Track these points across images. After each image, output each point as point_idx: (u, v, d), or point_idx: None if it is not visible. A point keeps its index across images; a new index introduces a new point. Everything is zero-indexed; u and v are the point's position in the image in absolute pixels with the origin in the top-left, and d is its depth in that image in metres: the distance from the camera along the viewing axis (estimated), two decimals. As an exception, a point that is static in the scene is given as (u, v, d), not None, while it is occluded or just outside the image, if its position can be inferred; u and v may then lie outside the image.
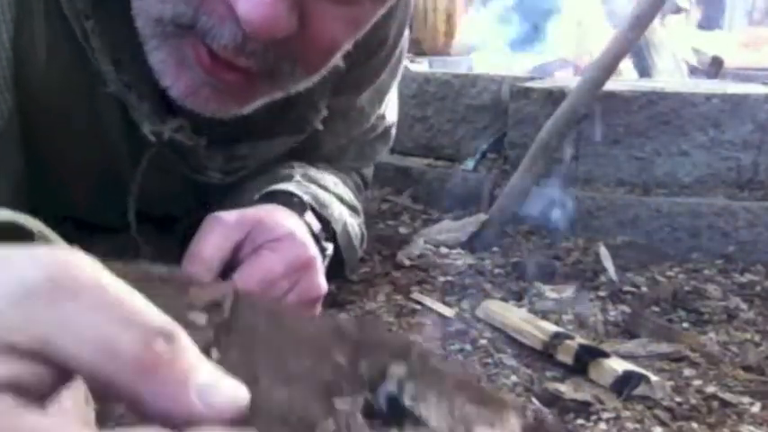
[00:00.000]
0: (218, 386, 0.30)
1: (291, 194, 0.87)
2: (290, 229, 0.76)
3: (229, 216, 0.74)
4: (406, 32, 1.01)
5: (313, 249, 0.77)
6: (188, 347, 0.30)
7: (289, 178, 0.90)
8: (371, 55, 0.94)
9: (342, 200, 0.96)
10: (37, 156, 0.78)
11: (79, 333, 0.29)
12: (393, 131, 1.13)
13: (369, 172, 1.13)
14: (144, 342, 0.29)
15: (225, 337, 0.37)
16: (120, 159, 0.84)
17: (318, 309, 0.79)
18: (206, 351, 0.35)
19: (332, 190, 0.95)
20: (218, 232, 0.72)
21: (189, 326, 0.35)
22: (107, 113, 0.80)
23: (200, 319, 0.38)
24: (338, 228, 0.89)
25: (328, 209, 0.89)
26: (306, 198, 0.87)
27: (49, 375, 0.30)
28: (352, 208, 0.98)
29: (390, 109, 1.09)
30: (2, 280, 0.30)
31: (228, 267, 0.73)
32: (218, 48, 0.63)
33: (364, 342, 0.37)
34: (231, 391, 0.31)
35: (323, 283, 0.77)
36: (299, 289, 0.75)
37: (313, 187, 0.91)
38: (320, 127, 0.91)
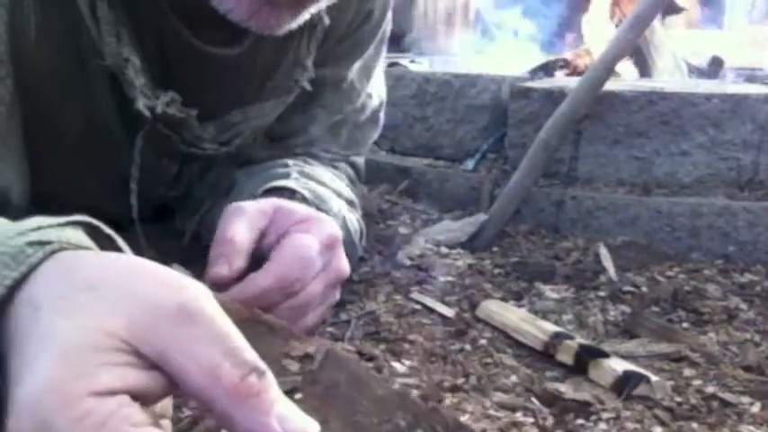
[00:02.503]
0: (294, 417, 0.37)
1: (291, 191, 0.87)
2: (310, 210, 0.77)
3: (250, 205, 0.75)
4: (389, 15, 1.03)
5: (337, 228, 0.78)
6: (273, 383, 0.36)
7: (286, 176, 0.91)
8: (358, 27, 0.97)
9: (340, 195, 0.96)
10: (33, 140, 0.79)
11: (192, 356, 0.35)
12: (382, 116, 1.14)
13: (361, 162, 1.13)
14: (241, 374, 0.35)
15: (310, 386, 0.46)
16: (114, 140, 0.84)
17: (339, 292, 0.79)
18: (291, 392, 0.44)
19: (329, 185, 0.96)
20: (244, 219, 0.73)
21: (282, 370, 0.46)
22: (98, 93, 0.80)
23: (293, 366, 0.47)
24: (338, 223, 0.90)
25: (327, 203, 0.89)
26: (306, 194, 0.87)
27: (161, 386, 0.36)
28: (349, 202, 0.98)
29: (377, 90, 1.10)
30: (141, 294, 0.36)
31: (256, 254, 0.73)
32: None
33: (424, 413, 0.44)
34: (305, 423, 0.37)
35: (347, 263, 0.79)
36: (331, 268, 0.76)
37: (311, 183, 0.91)
38: (309, 87, 0.92)
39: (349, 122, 1.06)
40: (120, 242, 0.45)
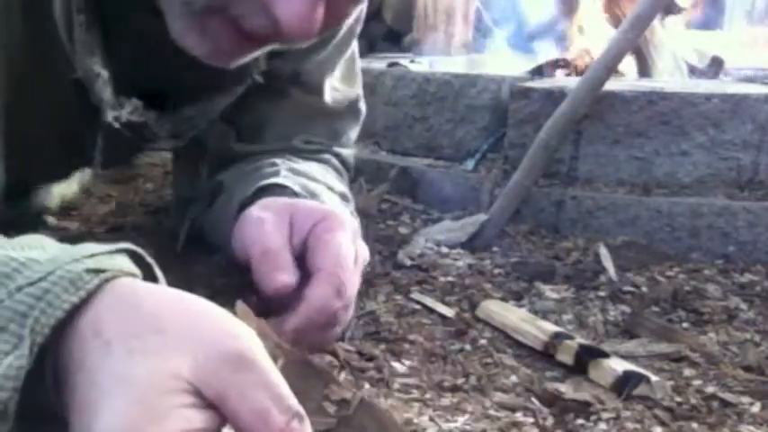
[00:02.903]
0: None
1: (283, 187, 0.88)
2: (323, 206, 0.80)
3: (264, 213, 0.77)
4: (358, 12, 1.02)
5: (351, 219, 0.80)
6: (309, 426, 0.42)
7: (275, 174, 0.92)
8: None
9: (332, 189, 0.97)
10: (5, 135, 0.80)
11: (246, 400, 0.40)
12: (361, 107, 1.15)
13: (347, 154, 1.13)
14: (287, 419, 0.40)
15: (344, 428, 0.52)
16: (78, 136, 0.86)
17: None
18: None
19: (321, 180, 0.96)
20: (270, 231, 0.75)
21: (321, 410, 0.52)
22: (64, 94, 0.82)
23: (331, 408, 0.53)
24: None
25: (319, 198, 0.90)
26: (296, 189, 0.88)
27: (216, 424, 0.40)
28: (341, 196, 0.99)
29: (349, 82, 1.10)
30: (205, 339, 0.41)
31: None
32: (249, 28, 0.66)
33: None
34: None
35: (366, 248, 0.82)
36: (359, 259, 0.79)
37: (302, 179, 0.92)
38: (260, 79, 0.93)
39: (320, 113, 1.07)
40: (157, 271, 0.49)
